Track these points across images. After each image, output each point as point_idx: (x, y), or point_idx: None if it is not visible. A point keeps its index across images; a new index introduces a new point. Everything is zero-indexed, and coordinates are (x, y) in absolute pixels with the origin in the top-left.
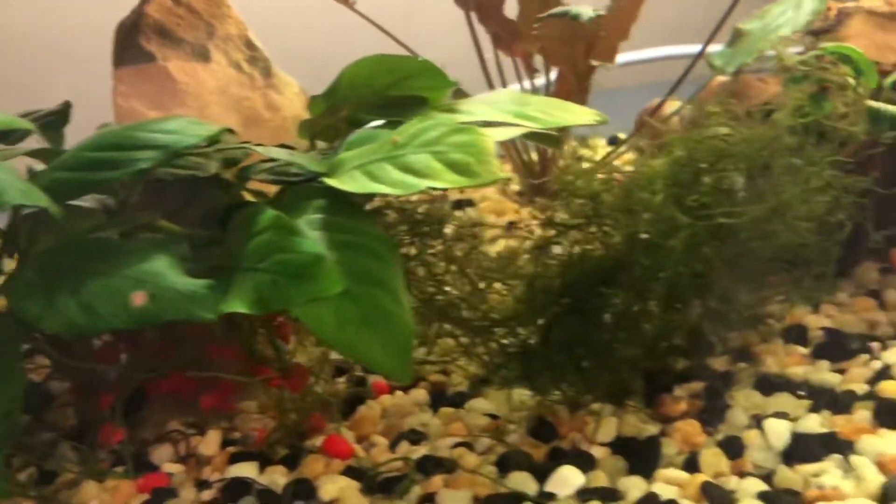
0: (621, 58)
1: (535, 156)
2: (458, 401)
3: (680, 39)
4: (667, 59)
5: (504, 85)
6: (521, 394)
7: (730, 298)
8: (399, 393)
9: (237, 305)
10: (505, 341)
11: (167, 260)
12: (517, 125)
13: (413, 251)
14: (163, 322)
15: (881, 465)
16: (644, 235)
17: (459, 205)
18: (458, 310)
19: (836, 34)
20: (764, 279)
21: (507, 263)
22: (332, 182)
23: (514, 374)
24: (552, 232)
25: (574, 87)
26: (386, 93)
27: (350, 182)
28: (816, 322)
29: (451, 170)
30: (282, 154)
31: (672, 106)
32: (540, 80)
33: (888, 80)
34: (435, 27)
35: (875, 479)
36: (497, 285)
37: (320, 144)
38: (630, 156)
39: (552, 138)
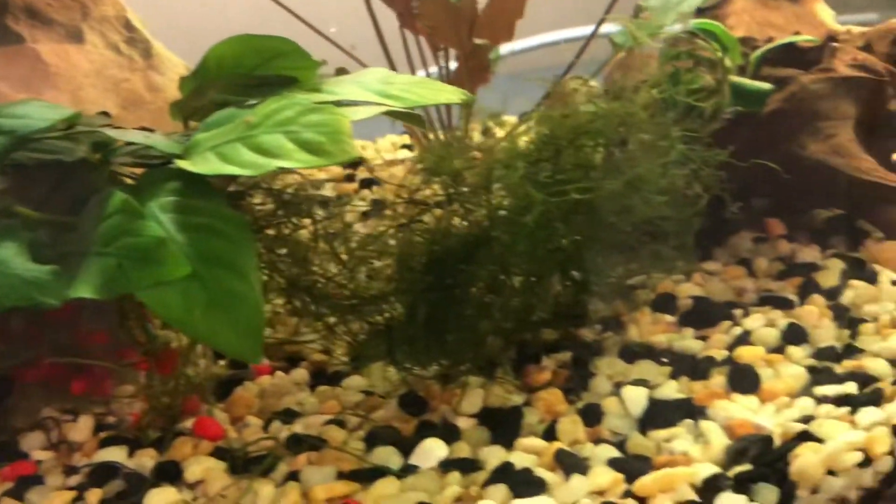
0: (547, 37)
1: (441, 134)
2: (337, 379)
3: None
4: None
5: (423, 65)
6: (393, 371)
7: (596, 271)
8: (280, 373)
9: (83, 291)
10: (371, 319)
11: (14, 246)
12: (378, 104)
13: (285, 231)
14: (4, 309)
15: (729, 430)
16: (502, 212)
17: (367, 183)
18: (326, 289)
19: (720, 11)
20: (630, 251)
21: (373, 242)
22: (184, 164)
23: (377, 351)
24: (416, 210)
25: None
26: (254, 73)
27: (202, 164)
28: (687, 291)
29: (303, 149)
30: (138, 137)
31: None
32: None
33: (754, 56)
34: (347, 4)
35: (721, 444)
36: (370, 263)
37: (195, 126)
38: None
39: (414, 117)
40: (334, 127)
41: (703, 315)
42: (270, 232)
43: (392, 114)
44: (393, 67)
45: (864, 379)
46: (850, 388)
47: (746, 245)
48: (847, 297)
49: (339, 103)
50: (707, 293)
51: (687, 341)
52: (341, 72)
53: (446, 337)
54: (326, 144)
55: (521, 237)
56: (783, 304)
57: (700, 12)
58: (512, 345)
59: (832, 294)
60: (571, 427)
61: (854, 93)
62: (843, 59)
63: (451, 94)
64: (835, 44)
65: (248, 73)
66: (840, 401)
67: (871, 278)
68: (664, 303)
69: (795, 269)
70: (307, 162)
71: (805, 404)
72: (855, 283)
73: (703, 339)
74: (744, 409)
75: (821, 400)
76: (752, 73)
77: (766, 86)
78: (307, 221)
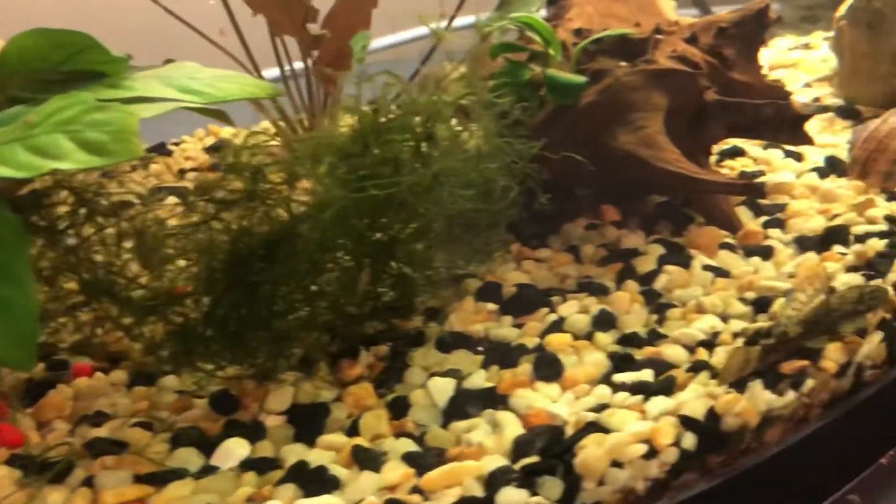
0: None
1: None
2: (155, 379)
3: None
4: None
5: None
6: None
7: (415, 263)
8: (99, 374)
9: None
10: (171, 319)
11: None
12: (174, 100)
13: (89, 231)
14: None
15: (525, 419)
16: (302, 209)
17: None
18: (126, 289)
19: (569, 2)
20: (449, 243)
21: (172, 239)
22: None
23: (174, 351)
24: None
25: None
26: (59, 68)
27: None
28: (514, 279)
29: (84, 149)
30: None
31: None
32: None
33: (576, 49)
34: None
35: (514, 434)
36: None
37: None
38: None
39: (218, 113)
40: (118, 125)
41: (524, 303)
42: (71, 232)
43: (196, 110)
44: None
45: (661, 366)
46: (647, 375)
47: (578, 232)
48: (660, 283)
49: (133, 100)
50: (533, 280)
51: (504, 329)
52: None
53: (247, 335)
54: (109, 144)
55: (325, 233)
56: (599, 291)
57: (550, 2)
58: (334, 339)
59: (647, 279)
60: (374, 421)
61: (666, 85)
62: (665, 50)
63: (258, 89)
64: (659, 36)
65: (54, 68)
66: (635, 388)
67: (686, 263)
68: (489, 291)
69: (617, 256)
70: (87, 162)
71: (602, 392)
72: (669, 268)
73: (520, 326)
74: (543, 398)
75: (618, 388)
76: (575, 65)
77: (579, 79)
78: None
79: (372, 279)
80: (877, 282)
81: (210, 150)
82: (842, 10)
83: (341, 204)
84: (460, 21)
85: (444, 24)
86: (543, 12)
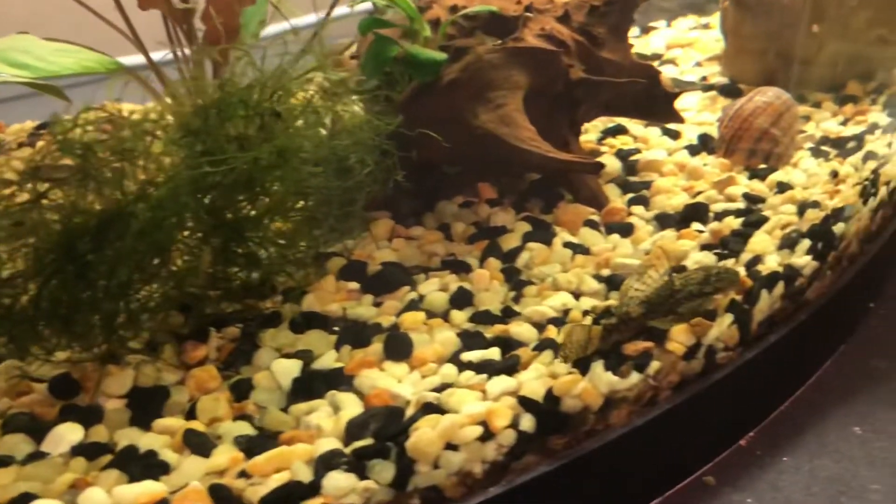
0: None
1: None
2: None
3: None
4: None
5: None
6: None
7: (268, 242)
8: None
9: None
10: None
11: None
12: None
13: None
14: None
15: (368, 400)
16: (134, 188)
17: None
18: None
19: None
20: (309, 221)
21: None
22: None
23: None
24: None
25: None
26: None
27: None
28: (383, 256)
29: None
30: None
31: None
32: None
33: (442, 26)
34: None
35: (351, 415)
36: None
37: None
38: None
39: (52, 89)
40: None
41: (386, 281)
42: None
43: (30, 85)
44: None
45: (509, 344)
46: (494, 353)
47: (452, 210)
48: (522, 260)
49: None
50: (401, 258)
51: (362, 308)
52: None
53: (78, 319)
54: None
55: (159, 212)
56: (461, 268)
57: None
58: (188, 320)
59: (510, 256)
60: (212, 404)
61: (527, 63)
62: (534, 28)
63: (96, 63)
64: (529, 14)
65: None
66: (481, 367)
67: (548, 240)
68: (353, 270)
69: (485, 233)
70: None
71: (448, 371)
72: (532, 245)
73: (380, 305)
74: (389, 378)
75: (464, 366)
76: (442, 41)
77: (438, 55)
78: None
79: (223, 259)
80: (730, 262)
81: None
82: None
83: (176, 182)
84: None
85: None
86: None
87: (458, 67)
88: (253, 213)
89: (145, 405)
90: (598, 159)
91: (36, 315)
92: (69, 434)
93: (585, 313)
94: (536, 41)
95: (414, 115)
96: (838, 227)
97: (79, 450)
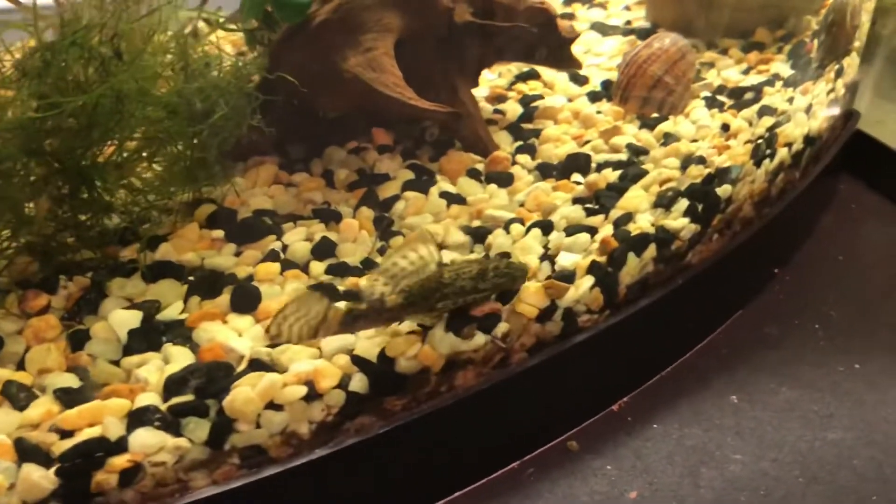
0: None
1: None
2: None
3: None
4: None
5: None
6: None
7: (118, 187)
8: None
9: None
10: None
11: None
12: None
13: None
14: None
15: (200, 353)
16: None
17: None
18: None
19: None
20: (166, 167)
21: None
22: None
23: None
24: None
25: None
26: None
27: None
28: (257, 203)
29: None
30: None
31: None
32: None
33: None
34: None
35: (178, 369)
36: None
37: None
38: None
39: None
40: None
41: (253, 231)
42: None
43: None
44: None
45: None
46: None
47: (340, 156)
48: (397, 210)
49: None
50: (275, 206)
51: (221, 258)
52: None
53: None
54: None
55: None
56: (332, 217)
57: None
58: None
59: (386, 205)
60: (43, 355)
61: (401, 5)
62: None
63: None
64: None
65: None
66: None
67: (426, 189)
68: (222, 218)
69: (366, 181)
70: None
71: None
72: (409, 194)
73: (240, 255)
74: (229, 332)
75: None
76: None
77: None
78: None
79: (70, 206)
80: (599, 219)
81: None
82: None
83: (10, 125)
84: None
85: None
86: None
87: (328, 8)
88: (100, 158)
89: None
90: (501, 106)
91: None
92: None
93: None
94: None
95: (286, 59)
96: (723, 190)
97: None
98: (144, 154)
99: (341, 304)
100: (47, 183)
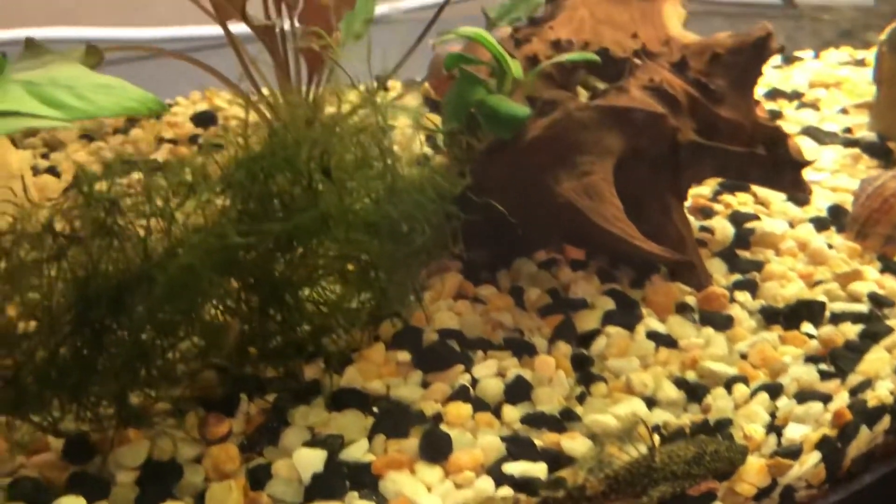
0: None
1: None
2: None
3: None
4: None
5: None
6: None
7: (310, 304)
8: None
9: None
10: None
11: None
12: (31, 116)
13: None
14: None
15: None
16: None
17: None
18: None
19: (566, 2)
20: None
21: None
22: None
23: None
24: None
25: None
26: None
27: None
28: (441, 322)
29: None
30: None
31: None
32: None
33: (529, 75)
34: None
35: None
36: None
37: None
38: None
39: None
40: None
41: (440, 357)
42: None
43: None
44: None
45: (558, 460)
46: (540, 470)
47: (530, 270)
48: (597, 347)
49: None
50: (461, 326)
51: (408, 388)
52: (31, 49)
53: (90, 383)
54: None
55: (184, 277)
56: (525, 350)
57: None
58: (223, 382)
59: (584, 340)
60: (223, 494)
61: (624, 125)
62: (642, 79)
63: (138, 104)
64: (638, 60)
65: None
66: (521, 485)
67: (631, 325)
68: (407, 338)
69: (561, 306)
70: None
71: (484, 486)
72: (611, 329)
73: (428, 386)
74: (417, 485)
75: (504, 479)
76: (528, 92)
77: (520, 110)
78: None
79: (259, 321)
80: (834, 385)
81: (197, 119)
82: (885, 32)
83: (206, 247)
84: None
85: None
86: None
87: (542, 124)
88: (293, 276)
89: (156, 483)
90: (708, 222)
91: (43, 381)
92: None
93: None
94: (642, 96)
95: (490, 174)
96: None
97: None
98: (338, 271)
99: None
100: (240, 300)
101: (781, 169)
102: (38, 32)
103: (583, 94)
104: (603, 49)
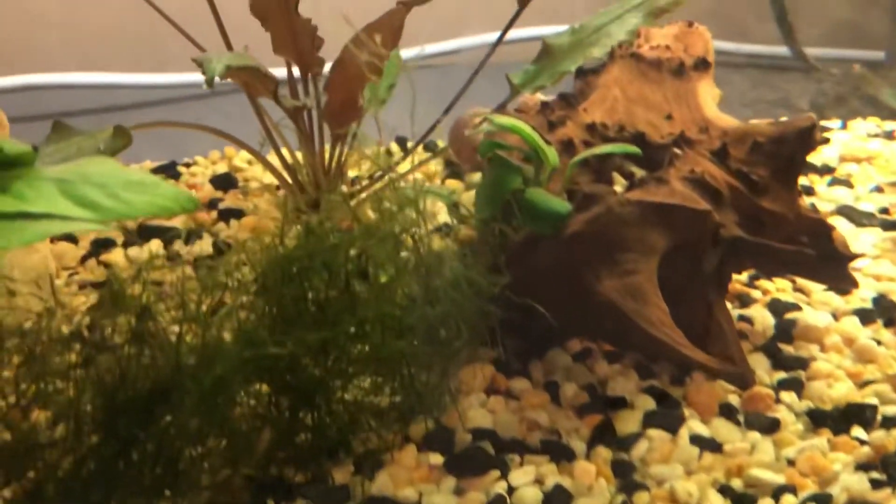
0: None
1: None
2: None
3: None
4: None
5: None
6: None
7: (343, 405)
8: None
9: None
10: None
11: None
12: (61, 218)
13: None
14: None
15: None
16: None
17: (226, 215)
18: None
19: (593, 79)
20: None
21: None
22: None
23: None
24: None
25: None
26: None
27: None
28: (475, 419)
29: None
30: None
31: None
32: None
33: (572, 162)
34: None
35: None
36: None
37: None
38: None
39: None
40: None
41: (475, 460)
42: None
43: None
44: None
45: None
46: None
47: (564, 362)
48: (638, 451)
49: (15, 215)
50: (495, 425)
51: (442, 496)
52: (59, 131)
53: (116, 497)
54: None
55: (213, 389)
56: (563, 455)
57: (579, 75)
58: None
59: (625, 444)
60: None
61: (667, 221)
62: (682, 169)
63: (172, 202)
64: (678, 150)
65: None
66: None
67: (674, 428)
68: (439, 438)
69: (599, 404)
70: None
71: None
72: (653, 433)
73: (462, 493)
74: None
75: None
76: (567, 183)
77: (561, 206)
78: None
79: (288, 425)
80: (885, 493)
81: (216, 181)
82: None
83: (238, 357)
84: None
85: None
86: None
87: (583, 219)
88: (325, 377)
89: None
90: (746, 311)
91: (67, 495)
92: None
93: None
94: (683, 189)
95: (524, 265)
96: None
97: None
98: (371, 372)
99: None
100: (270, 405)
101: (826, 263)
102: (57, 78)
103: (618, 181)
104: (639, 133)
